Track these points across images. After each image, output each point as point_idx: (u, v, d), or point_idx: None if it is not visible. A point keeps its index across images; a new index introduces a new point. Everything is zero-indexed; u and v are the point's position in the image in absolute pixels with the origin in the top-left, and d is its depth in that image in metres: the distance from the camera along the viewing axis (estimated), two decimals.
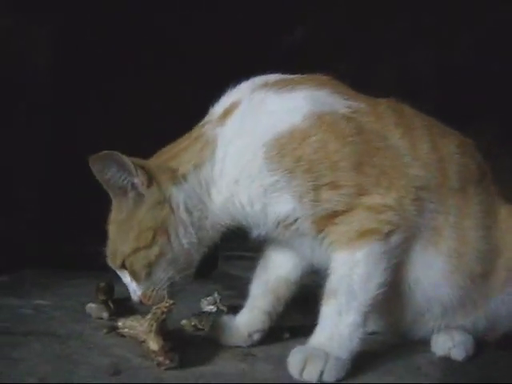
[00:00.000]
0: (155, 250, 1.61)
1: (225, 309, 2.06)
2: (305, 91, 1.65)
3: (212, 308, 2.10)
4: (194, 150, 1.67)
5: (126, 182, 1.62)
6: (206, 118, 1.74)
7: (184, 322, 1.88)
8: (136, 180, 1.61)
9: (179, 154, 1.69)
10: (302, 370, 1.47)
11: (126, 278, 1.67)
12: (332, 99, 1.65)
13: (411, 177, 1.61)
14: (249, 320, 1.77)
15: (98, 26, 3.34)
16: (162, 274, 1.63)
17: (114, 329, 1.73)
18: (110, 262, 1.69)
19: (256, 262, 1.84)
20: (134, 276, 1.65)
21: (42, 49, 2.91)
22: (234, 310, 1.93)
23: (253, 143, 1.59)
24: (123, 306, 2.01)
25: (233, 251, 3.23)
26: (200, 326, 1.86)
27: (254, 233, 1.68)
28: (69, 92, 3.17)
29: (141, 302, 1.66)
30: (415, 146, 1.66)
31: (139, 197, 1.63)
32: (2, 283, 2.36)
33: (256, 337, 1.76)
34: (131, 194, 1.63)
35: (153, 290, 1.63)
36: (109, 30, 3.36)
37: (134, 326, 1.64)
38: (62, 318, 1.89)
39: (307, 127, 1.58)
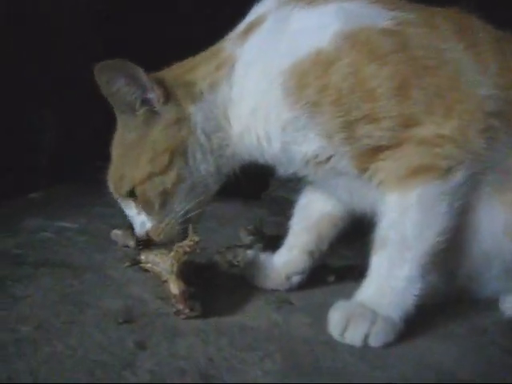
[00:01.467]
0: (172, 175, 1.36)
1: (260, 245, 1.79)
2: (337, 4, 1.31)
3: (252, 239, 1.85)
4: (209, 67, 1.40)
5: (135, 96, 1.36)
6: (228, 35, 1.44)
7: (217, 256, 1.63)
8: (151, 95, 1.36)
9: (194, 69, 1.42)
10: (344, 330, 1.21)
11: (132, 209, 1.45)
12: (371, 11, 1.30)
13: (479, 98, 1.24)
14: (288, 260, 1.51)
15: None
16: (179, 205, 1.39)
17: (137, 262, 1.50)
18: (113, 190, 1.46)
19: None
20: (146, 206, 1.41)
21: None
22: (278, 241, 1.68)
23: (270, 70, 1.29)
24: None
25: None
26: (235, 262, 1.61)
27: (279, 171, 1.41)
28: None
29: (147, 238, 1.43)
30: (482, 62, 1.29)
31: (152, 114, 1.38)
32: (30, 201, 2.16)
33: (295, 280, 1.51)
34: (142, 111, 1.37)
35: (167, 224, 1.40)
36: None
37: (157, 261, 1.41)
38: (83, 245, 1.68)
39: (335, 49, 1.25)
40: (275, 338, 1.21)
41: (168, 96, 1.37)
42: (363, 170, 1.29)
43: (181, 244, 1.34)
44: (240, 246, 1.68)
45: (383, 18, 1.28)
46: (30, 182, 2.31)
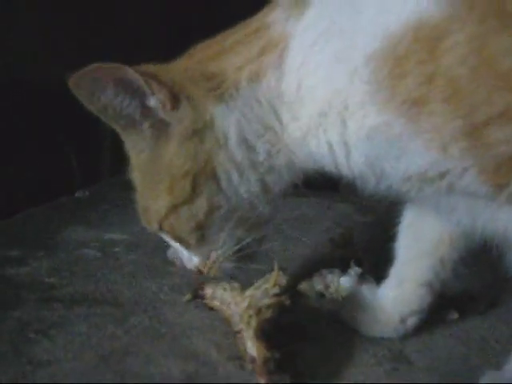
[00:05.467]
0: (201, 204, 0.98)
1: (358, 270, 1.37)
2: None
3: (342, 254, 1.43)
4: (248, 52, 0.95)
5: (132, 108, 0.94)
6: (272, 5, 0.98)
7: (303, 285, 1.22)
8: (152, 100, 0.94)
9: (221, 55, 0.97)
10: None
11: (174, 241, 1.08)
12: None
13: None
14: (400, 297, 1.08)
15: None
16: (222, 237, 1.02)
17: (200, 296, 1.11)
18: (144, 224, 1.07)
19: None
20: (181, 242, 1.05)
21: None
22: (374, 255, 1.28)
23: (348, 54, 0.85)
24: None
25: None
26: (327, 295, 1.20)
27: (365, 188, 0.94)
28: None
29: (200, 273, 1.07)
30: None
31: (161, 126, 0.96)
32: (76, 202, 1.79)
33: (411, 322, 1.08)
34: (146, 125, 0.96)
35: (215, 261, 1.04)
36: None
37: (227, 300, 1.02)
38: (132, 268, 1.29)
39: (444, 16, 0.79)
40: None
41: (176, 97, 0.94)
42: (498, 187, 0.84)
43: (261, 285, 0.94)
44: (331, 271, 1.26)
45: None
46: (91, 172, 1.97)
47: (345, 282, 1.20)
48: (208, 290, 1.08)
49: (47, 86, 1.72)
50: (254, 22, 0.98)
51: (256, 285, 0.96)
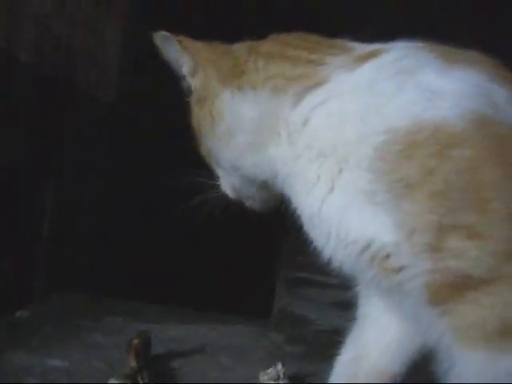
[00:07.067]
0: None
1: None
2: (481, 77, 0.99)
3: None
4: (291, 70, 1.09)
5: (180, 69, 1.22)
6: (346, 50, 1.10)
7: None
8: (184, 68, 1.22)
9: (272, 57, 1.11)
10: None
11: None
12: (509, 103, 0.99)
13: None
14: None
15: None
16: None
17: None
18: None
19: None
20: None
21: None
22: None
23: (372, 120, 0.97)
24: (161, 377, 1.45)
25: (300, 271, 2.58)
26: None
27: (322, 252, 1.05)
28: None
29: None
30: None
31: (191, 89, 1.23)
32: (16, 323, 1.80)
33: None
34: (185, 84, 1.23)
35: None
36: None
37: None
38: None
39: (463, 131, 0.93)
40: None
41: (196, 68, 1.19)
42: (434, 302, 0.94)
43: None
44: None
45: None
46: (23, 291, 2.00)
47: None
48: None
49: None
50: (316, 54, 1.09)
51: None
